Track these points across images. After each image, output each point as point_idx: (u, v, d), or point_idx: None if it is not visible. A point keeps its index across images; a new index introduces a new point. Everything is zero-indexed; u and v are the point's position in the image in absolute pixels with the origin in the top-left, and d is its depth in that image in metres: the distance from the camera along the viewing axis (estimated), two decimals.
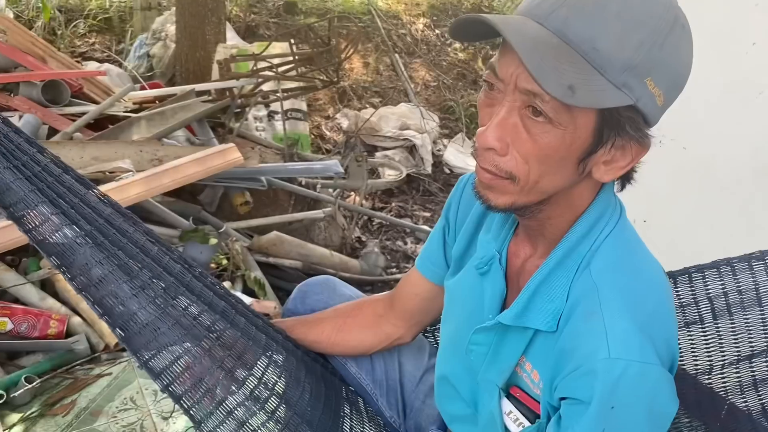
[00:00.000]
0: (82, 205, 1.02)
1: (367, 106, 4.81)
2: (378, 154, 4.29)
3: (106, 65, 3.92)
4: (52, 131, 2.71)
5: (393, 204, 3.97)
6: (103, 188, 2.18)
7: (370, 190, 3.80)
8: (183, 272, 1.12)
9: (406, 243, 3.64)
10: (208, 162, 2.31)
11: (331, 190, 3.55)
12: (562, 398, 0.85)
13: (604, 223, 0.87)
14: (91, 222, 1.00)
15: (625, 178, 0.88)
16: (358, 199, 3.49)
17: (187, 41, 3.87)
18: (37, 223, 0.92)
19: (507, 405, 0.95)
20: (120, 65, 4.20)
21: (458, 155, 4.49)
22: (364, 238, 3.55)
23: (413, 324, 1.26)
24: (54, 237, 0.93)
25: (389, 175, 4.01)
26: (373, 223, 3.74)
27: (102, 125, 2.92)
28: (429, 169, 4.29)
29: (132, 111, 3.06)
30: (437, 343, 1.46)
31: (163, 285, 1.03)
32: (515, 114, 0.78)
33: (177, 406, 0.94)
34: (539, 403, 0.91)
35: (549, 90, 0.70)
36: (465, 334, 0.99)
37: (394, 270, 3.32)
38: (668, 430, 1.26)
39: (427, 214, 3.93)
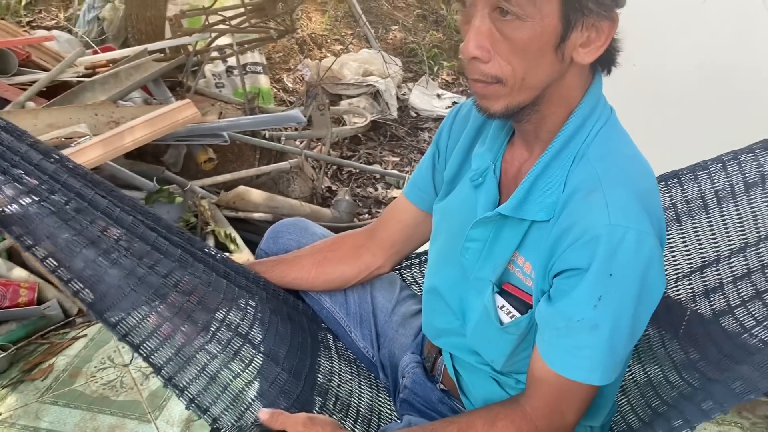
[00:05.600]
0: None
1: (328, 54, 4.74)
2: (343, 102, 4.25)
3: (55, 32, 3.80)
4: (3, 102, 2.65)
5: (361, 151, 3.95)
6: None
7: (336, 139, 3.78)
8: (135, 223, 1.12)
9: (376, 189, 3.65)
10: (165, 119, 2.28)
11: (297, 141, 3.53)
12: (557, 275, 0.89)
13: (597, 116, 0.91)
14: (36, 178, 0.99)
15: (609, 63, 0.91)
16: (324, 148, 3.47)
17: (137, 1, 3.75)
18: None
19: (499, 300, 0.99)
20: (70, 31, 4.08)
21: (424, 98, 4.46)
22: (334, 187, 3.55)
23: (393, 253, 1.29)
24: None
25: (354, 123, 3.98)
26: (343, 172, 3.73)
27: (55, 93, 2.85)
28: (395, 114, 4.26)
29: (84, 76, 2.98)
30: (405, 281, 1.49)
31: (115, 237, 1.03)
32: (487, 20, 0.82)
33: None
34: (531, 295, 0.95)
35: None
36: (457, 241, 1.02)
37: (366, 216, 3.34)
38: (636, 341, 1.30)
39: (396, 159, 3.93)
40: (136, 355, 0.96)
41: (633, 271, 0.84)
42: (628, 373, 1.28)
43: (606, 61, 0.91)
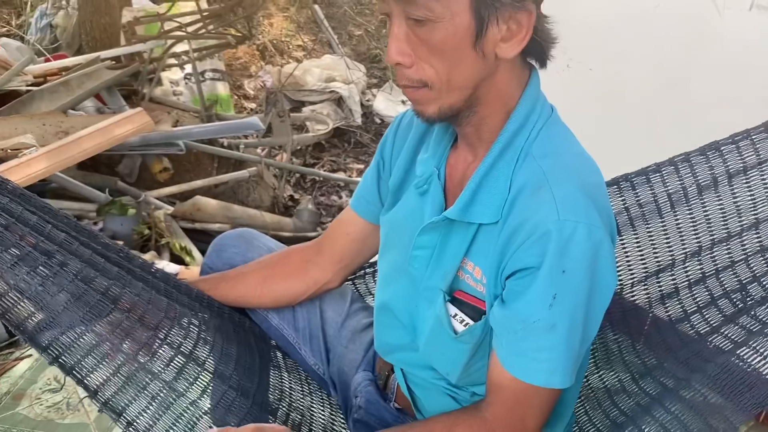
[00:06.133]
0: None
1: (290, 60, 4.69)
2: (305, 108, 4.20)
3: (4, 40, 3.69)
4: None
5: (325, 159, 3.91)
6: (5, 166, 2.07)
7: (298, 146, 3.73)
8: (69, 240, 1.06)
9: (341, 197, 3.61)
10: (114, 129, 2.21)
11: (259, 149, 3.47)
12: (510, 276, 0.87)
13: (537, 115, 0.90)
14: None
15: (541, 56, 0.90)
16: (286, 156, 3.42)
17: (90, 7, 3.66)
18: None
19: (452, 309, 0.96)
20: (22, 39, 3.97)
21: (388, 103, 4.44)
22: (297, 196, 3.50)
23: (342, 267, 1.24)
24: None
25: (317, 129, 3.94)
26: (306, 180, 3.68)
27: (2, 103, 2.75)
28: (359, 121, 4.23)
29: (34, 85, 2.89)
30: (358, 292, 1.45)
31: (46, 254, 0.97)
32: (404, 25, 0.83)
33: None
34: (484, 301, 0.92)
35: None
36: (406, 252, 0.99)
37: (329, 225, 3.30)
38: (594, 346, 1.28)
39: (361, 166, 3.89)
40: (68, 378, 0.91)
41: (585, 265, 0.82)
42: (586, 382, 1.26)
43: (536, 54, 0.90)
